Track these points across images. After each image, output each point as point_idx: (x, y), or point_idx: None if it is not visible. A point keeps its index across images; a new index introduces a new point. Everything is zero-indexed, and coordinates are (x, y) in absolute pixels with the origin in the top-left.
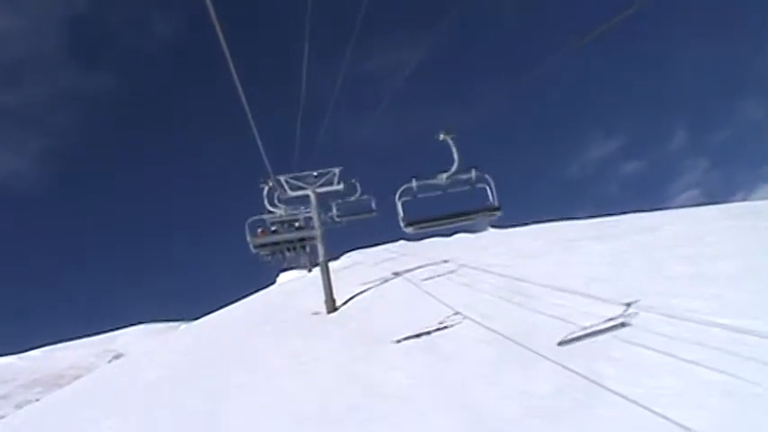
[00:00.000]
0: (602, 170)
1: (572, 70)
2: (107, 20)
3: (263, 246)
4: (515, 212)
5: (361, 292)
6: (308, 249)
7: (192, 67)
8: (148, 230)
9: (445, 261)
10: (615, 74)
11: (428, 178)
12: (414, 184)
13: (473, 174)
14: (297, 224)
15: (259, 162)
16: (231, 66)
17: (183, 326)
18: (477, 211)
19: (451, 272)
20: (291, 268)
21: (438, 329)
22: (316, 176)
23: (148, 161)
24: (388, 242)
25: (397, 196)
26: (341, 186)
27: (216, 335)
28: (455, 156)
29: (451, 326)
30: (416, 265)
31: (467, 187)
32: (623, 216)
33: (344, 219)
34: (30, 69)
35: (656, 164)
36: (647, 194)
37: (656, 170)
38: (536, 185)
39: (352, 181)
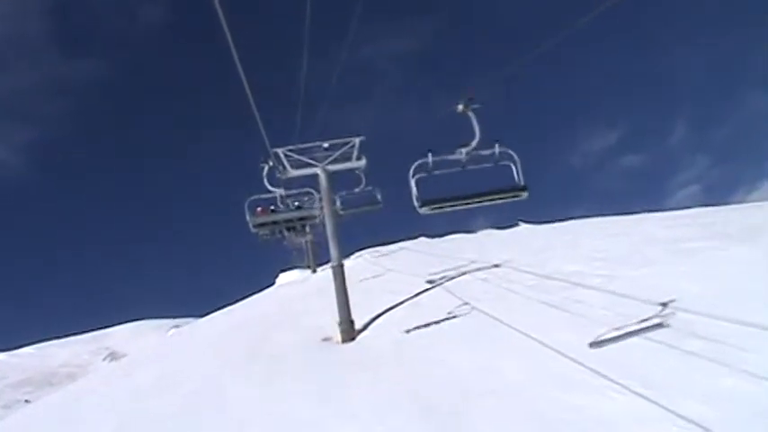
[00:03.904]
0: (600, 164)
1: (571, 61)
2: (92, 3)
3: (263, 225)
4: (517, 207)
5: (388, 311)
6: (308, 229)
7: (182, 48)
8: (144, 222)
9: (496, 265)
10: (615, 65)
11: (445, 153)
12: (429, 159)
13: (496, 149)
14: (297, 203)
15: (261, 143)
16: (226, 29)
17: (172, 330)
18: (501, 192)
19: (513, 282)
20: (293, 267)
21: (566, 406)
22: (327, 149)
23: (142, 150)
24: (404, 239)
25: (411, 173)
26: (362, 162)
27: (189, 368)
28: (476, 129)
29: (590, 401)
30: (456, 270)
31: (489, 164)
32: (699, 210)
33: (348, 211)
34: (13, 56)
35: (656, 158)
36: (646, 190)
37: (655, 165)
38: (533, 180)
39: (359, 170)
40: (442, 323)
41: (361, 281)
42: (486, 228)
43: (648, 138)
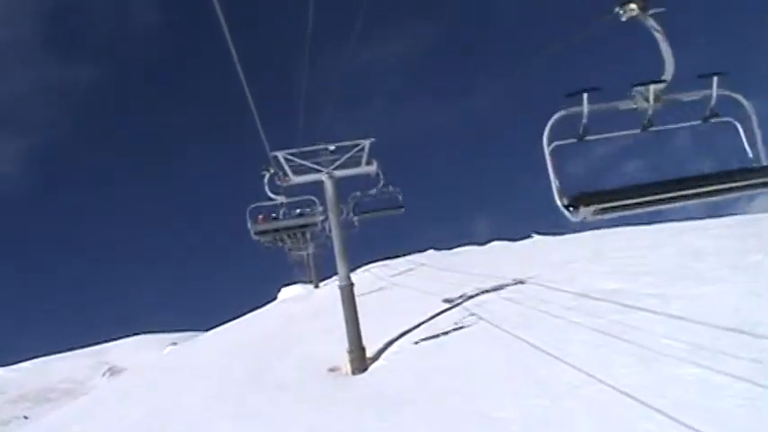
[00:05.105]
0: (604, 169)
1: (570, 65)
2: (85, 6)
3: (264, 232)
4: (509, 217)
5: (403, 336)
6: (308, 236)
7: (179, 52)
8: (145, 232)
9: (520, 282)
10: (614, 67)
11: (603, 100)
12: (584, 108)
13: (713, 90)
14: (298, 210)
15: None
16: (224, 25)
17: (169, 348)
18: (739, 176)
19: (547, 302)
20: (295, 282)
21: None
22: (333, 152)
23: (141, 158)
24: (412, 252)
25: (545, 137)
26: (373, 167)
27: (179, 400)
28: (666, 52)
29: None
30: (475, 287)
31: (696, 121)
32: (729, 219)
33: (362, 216)
34: (7, 62)
35: (657, 163)
36: None
37: (656, 171)
38: (531, 186)
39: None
40: (470, 353)
41: (369, 299)
42: (492, 239)
43: (649, 142)
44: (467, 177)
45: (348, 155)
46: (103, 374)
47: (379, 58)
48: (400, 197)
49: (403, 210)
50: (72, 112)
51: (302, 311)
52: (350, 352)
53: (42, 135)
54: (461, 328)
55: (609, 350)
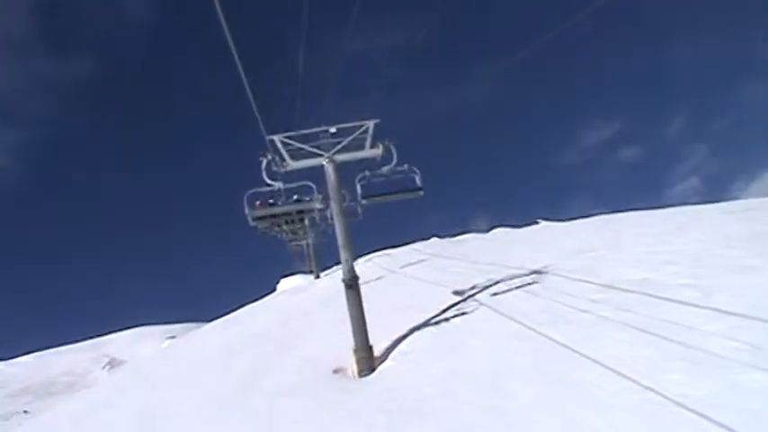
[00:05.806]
0: (599, 157)
1: (569, 53)
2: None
3: (262, 218)
4: (511, 203)
5: (412, 333)
6: (307, 223)
7: (172, 44)
8: (143, 224)
9: (536, 272)
10: (613, 57)
11: None
12: None
13: None
14: (295, 196)
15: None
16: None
17: (167, 342)
18: None
19: (570, 295)
20: (295, 273)
21: None
22: (334, 134)
23: (136, 150)
24: (415, 240)
25: None
26: (379, 150)
27: (171, 404)
28: None
29: None
30: (487, 277)
31: None
32: (745, 201)
33: (371, 200)
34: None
35: (655, 150)
36: (645, 182)
37: (654, 157)
38: (530, 174)
39: (385, 142)
40: (491, 352)
41: (373, 292)
42: (495, 226)
43: (646, 130)
44: (463, 164)
45: (350, 137)
46: (103, 367)
47: (378, 47)
48: (418, 179)
49: (422, 192)
50: (70, 103)
51: (302, 304)
52: (356, 351)
53: (38, 129)
54: (477, 324)
55: (651, 350)
